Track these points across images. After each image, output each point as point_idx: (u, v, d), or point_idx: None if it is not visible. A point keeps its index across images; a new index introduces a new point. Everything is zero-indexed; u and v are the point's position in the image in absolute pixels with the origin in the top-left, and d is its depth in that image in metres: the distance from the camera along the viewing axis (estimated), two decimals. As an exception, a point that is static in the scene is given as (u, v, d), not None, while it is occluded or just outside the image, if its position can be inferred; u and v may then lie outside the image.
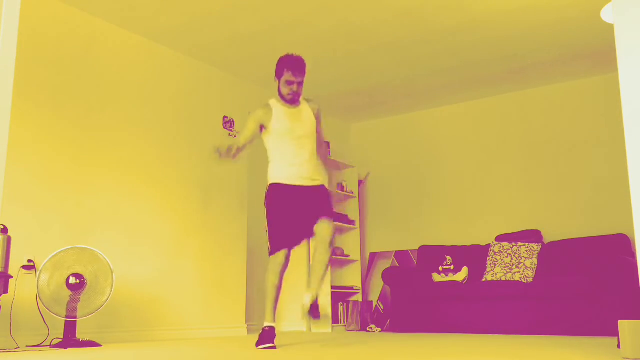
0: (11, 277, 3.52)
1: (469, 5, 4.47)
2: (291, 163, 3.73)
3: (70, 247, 3.86)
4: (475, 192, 6.33)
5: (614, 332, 3.80)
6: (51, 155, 4.20)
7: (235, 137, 5.67)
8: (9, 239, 3.52)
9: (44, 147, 4.17)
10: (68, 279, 3.74)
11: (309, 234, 3.75)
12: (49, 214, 4.12)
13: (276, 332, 3.66)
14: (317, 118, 3.92)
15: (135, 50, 4.91)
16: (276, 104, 3.82)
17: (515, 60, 5.47)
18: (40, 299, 3.67)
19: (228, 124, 5.64)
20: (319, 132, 3.95)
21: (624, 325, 2.52)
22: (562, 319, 4.82)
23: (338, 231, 6.63)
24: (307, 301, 3.54)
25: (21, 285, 3.83)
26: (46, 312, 3.78)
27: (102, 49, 4.66)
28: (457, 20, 4.70)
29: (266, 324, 3.62)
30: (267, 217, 3.74)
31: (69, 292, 3.74)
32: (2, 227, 3.53)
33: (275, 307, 3.68)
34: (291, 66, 3.75)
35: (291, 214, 3.69)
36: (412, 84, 6.07)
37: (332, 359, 2.78)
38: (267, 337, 3.55)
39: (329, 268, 3.71)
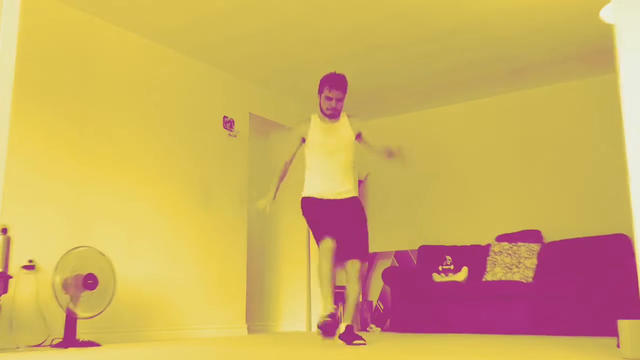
0: (11, 277, 3.52)
1: (469, 5, 4.47)
2: (323, 176, 3.94)
3: (82, 246, 3.88)
4: (475, 192, 6.32)
5: (614, 332, 3.80)
6: (51, 155, 4.20)
7: (235, 137, 5.68)
8: (9, 239, 3.53)
9: (44, 147, 4.17)
10: (84, 278, 3.78)
11: (344, 242, 3.81)
12: (49, 213, 4.11)
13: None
14: (359, 133, 4.01)
15: (135, 50, 4.91)
16: (315, 118, 4.04)
17: (515, 60, 5.47)
18: (57, 299, 3.68)
19: (228, 124, 5.65)
20: (367, 142, 4.03)
21: (624, 325, 2.52)
22: (562, 319, 4.81)
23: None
24: (341, 329, 3.76)
25: (21, 285, 3.83)
26: (58, 311, 3.79)
27: (102, 49, 4.65)
28: (457, 20, 4.70)
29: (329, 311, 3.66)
30: (308, 221, 3.93)
31: (84, 292, 3.78)
32: (2, 227, 3.53)
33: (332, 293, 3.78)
34: (331, 83, 3.93)
35: (327, 213, 3.87)
36: (412, 84, 6.07)
37: (332, 359, 2.78)
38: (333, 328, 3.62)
39: (360, 296, 4.01)
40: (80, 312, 3.76)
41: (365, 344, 3.67)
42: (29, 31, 4.12)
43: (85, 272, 3.78)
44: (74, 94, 4.42)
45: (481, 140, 6.39)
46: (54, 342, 3.74)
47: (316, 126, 4.00)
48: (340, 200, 3.95)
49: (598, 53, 5.29)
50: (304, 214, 3.97)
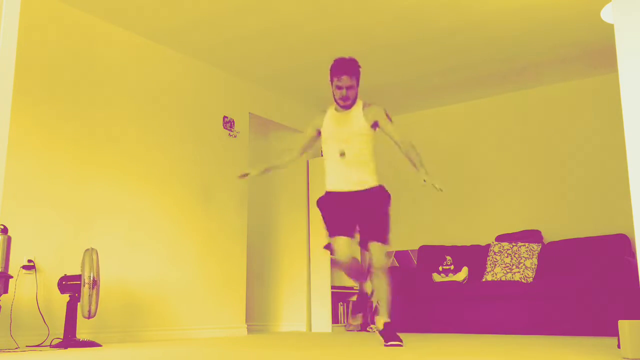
0: (11, 277, 3.52)
1: (469, 5, 4.47)
2: (337, 167, 3.74)
3: (89, 247, 3.90)
4: (475, 192, 6.32)
5: (614, 332, 3.80)
6: (51, 154, 4.20)
7: (235, 137, 5.67)
8: (9, 239, 3.53)
9: (44, 147, 4.17)
10: (97, 278, 3.83)
11: (361, 234, 3.71)
12: (49, 213, 4.11)
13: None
14: (375, 122, 3.77)
15: (136, 50, 4.91)
16: (331, 109, 3.88)
17: (515, 60, 5.47)
18: (85, 296, 3.73)
19: (228, 124, 5.65)
20: (385, 132, 3.79)
21: (624, 325, 2.52)
22: (562, 319, 4.81)
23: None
24: (379, 326, 3.64)
25: (21, 285, 3.83)
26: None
27: (102, 49, 4.66)
28: (457, 20, 4.70)
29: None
30: (323, 218, 3.78)
31: (94, 291, 3.81)
32: (2, 227, 3.53)
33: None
34: (338, 70, 3.73)
35: (342, 212, 3.70)
36: (412, 84, 6.07)
37: (332, 358, 2.78)
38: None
39: (390, 288, 3.73)
40: (93, 310, 3.79)
41: (401, 345, 3.51)
42: (29, 31, 4.12)
43: (96, 273, 3.81)
44: (73, 94, 4.42)
45: (481, 140, 6.39)
46: (54, 342, 3.74)
47: (330, 117, 3.82)
48: (356, 192, 3.70)
49: (598, 53, 5.29)
50: (319, 207, 3.81)
